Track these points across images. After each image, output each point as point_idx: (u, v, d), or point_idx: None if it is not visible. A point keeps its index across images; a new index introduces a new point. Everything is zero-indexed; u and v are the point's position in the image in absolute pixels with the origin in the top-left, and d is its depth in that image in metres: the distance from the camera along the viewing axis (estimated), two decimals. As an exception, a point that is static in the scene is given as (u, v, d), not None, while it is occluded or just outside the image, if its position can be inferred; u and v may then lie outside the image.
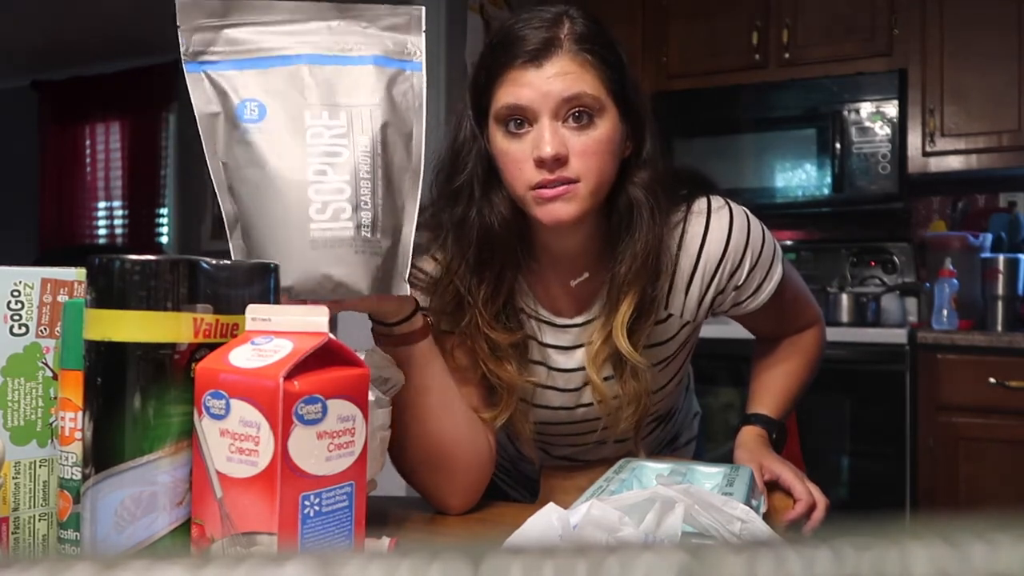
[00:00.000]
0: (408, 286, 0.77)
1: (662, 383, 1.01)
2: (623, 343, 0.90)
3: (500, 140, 0.88)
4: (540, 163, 0.84)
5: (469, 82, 0.93)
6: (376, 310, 0.82)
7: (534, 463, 1.06)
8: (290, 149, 0.71)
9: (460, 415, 0.91)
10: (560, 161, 0.84)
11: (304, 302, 0.71)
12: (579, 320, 0.98)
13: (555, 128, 0.84)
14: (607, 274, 0.92)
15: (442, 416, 0.89)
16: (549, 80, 0.84)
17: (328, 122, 0.72)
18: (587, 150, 0.85)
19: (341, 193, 0.70)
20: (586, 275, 0.96)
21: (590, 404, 0.99)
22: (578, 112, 0.85)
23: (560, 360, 0.99)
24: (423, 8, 0.78)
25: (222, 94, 0.73)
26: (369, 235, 0.71)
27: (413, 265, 0.94)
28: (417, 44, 0.77)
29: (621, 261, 0.90)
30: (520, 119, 0.86)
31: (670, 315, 0.97)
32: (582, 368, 0.97)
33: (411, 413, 0.86)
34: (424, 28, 0.78)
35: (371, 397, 0.65)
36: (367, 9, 0.76)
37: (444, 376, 0.90)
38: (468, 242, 0.91)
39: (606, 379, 0.95)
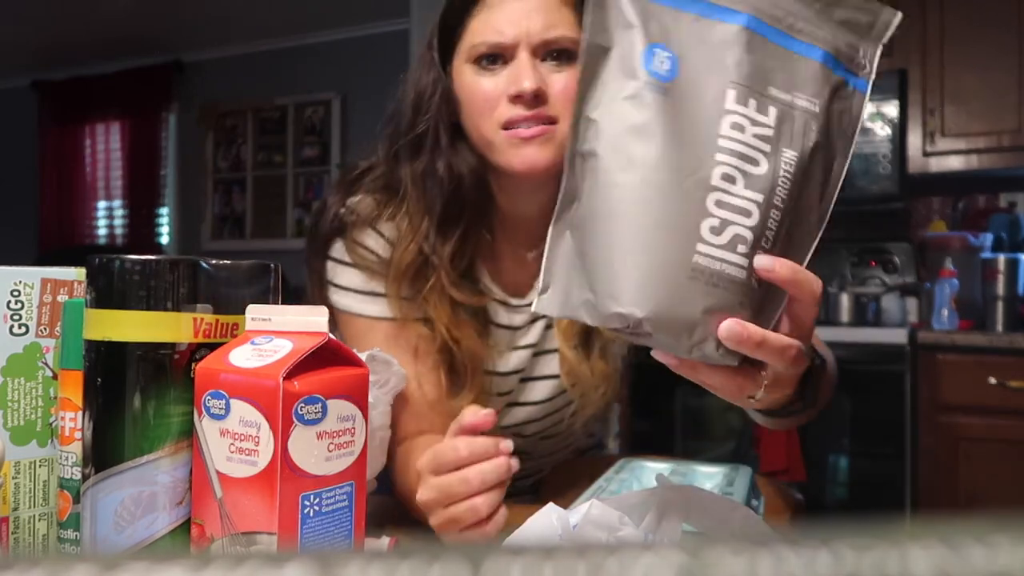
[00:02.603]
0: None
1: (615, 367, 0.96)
2: (569, 353, 0.86)
3: (469, 77, 0.81)
4: (517, 98, 0.78)
5: (440, 14, 0.85)
6: (729, 392, 0.55)
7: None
8: (699, 131, 0.51)
9: None
10: (540, 98, 0.78)
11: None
12: (530, 301, 0.91)
13: (535, 63, 0.79)
14: None
15: None
16: (529, 14, 0.78)
17: (754, 114, 0.51)
18: (567, 90, 0.77)
19: (747, 216, 0.50)
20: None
21: (551, 376, 0.93)
22: (555, 53, 0.79)
23: (512, 340, 0.92)
24: (899, 14, 0.56)
25: (627, 26, 0.53)
26: (755, 284, 0.51)
27: (354, 240, 0.87)
28: (871, 56, 0.56)
29: None
30: (494, 55, 0.80)
31: None
32: (531, 346, 0.92)
33: None
34: (886, 40, 0.57)
35: (370, 398, 0.65)
36: None
37: None
38: (434, 196, 0.84)
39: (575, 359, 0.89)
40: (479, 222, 0.87)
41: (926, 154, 2.52)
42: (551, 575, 0.13)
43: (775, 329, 0.52)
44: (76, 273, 0.61)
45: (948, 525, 0.14)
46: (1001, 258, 2.41)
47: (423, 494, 0.68)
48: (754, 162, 0.51)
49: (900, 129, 2.50)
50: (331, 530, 0.53)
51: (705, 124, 0.51)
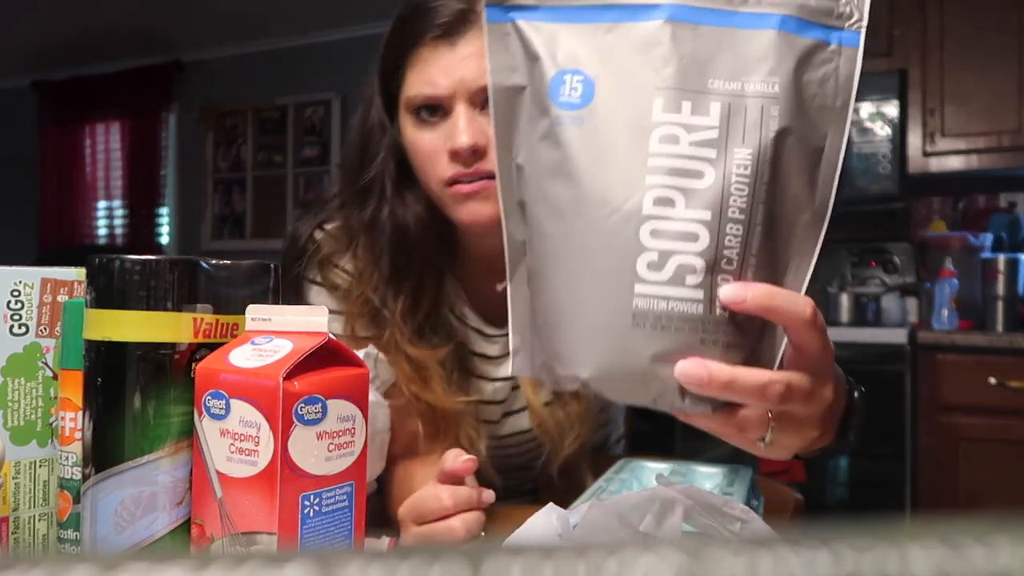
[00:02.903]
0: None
1: (607, 418, 0.91)
2: (535, 396, 0.82)
3: (411, 130, 0.78)
4: (455, 155, 0.75)
5: (377, 64, 0.81)
6: (731, 437, 0.49)
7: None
8: (621, 157, 0.45)
9: None
10: (478, 153, 0.74)
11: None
12: (500, 331, 0.87)
13: (471, 116, 0.74)
14: None
15: None
16: (464, 62, 0.74)
17: (689, 119, 0.44)
18: None
19: (693, 240, 0.43)
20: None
21: (520, 410, 0.88)
22: None
23: (488, 370, 0.88)
24: None
25: (533, 58, 0.48)
26: (727, 313, 0.44)
27: (334, 265, 0.82)
28: (858, 1, 0.46)
29: None
30: (433, 107, 0.76)
31: None
32: (510, 379, 0.87)
33: None
34: None
35: (371, 398, 0.65)
36: None
37: None
38: (380, 247, 0.80)
39: (546, 404, 0.84)
40: (434, 270, 0.83)
41: (926, 154, 2.52)
42: (551, 575, 0.13)
43: (781, 363, 0.45)
44: (76, 273, 0.61)
45: (948, 525, 0.14)
46: (1001, 258, 2.41)
47: (405, 542, 0.66)
48: (696, 175, 0.44)
49: (900, 129, 2.50)
50: (331, 530, 0.53)
51: (629, 147, 0.45)
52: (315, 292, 0.86)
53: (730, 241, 0.44)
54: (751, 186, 0.44)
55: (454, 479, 0.66)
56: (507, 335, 0.83)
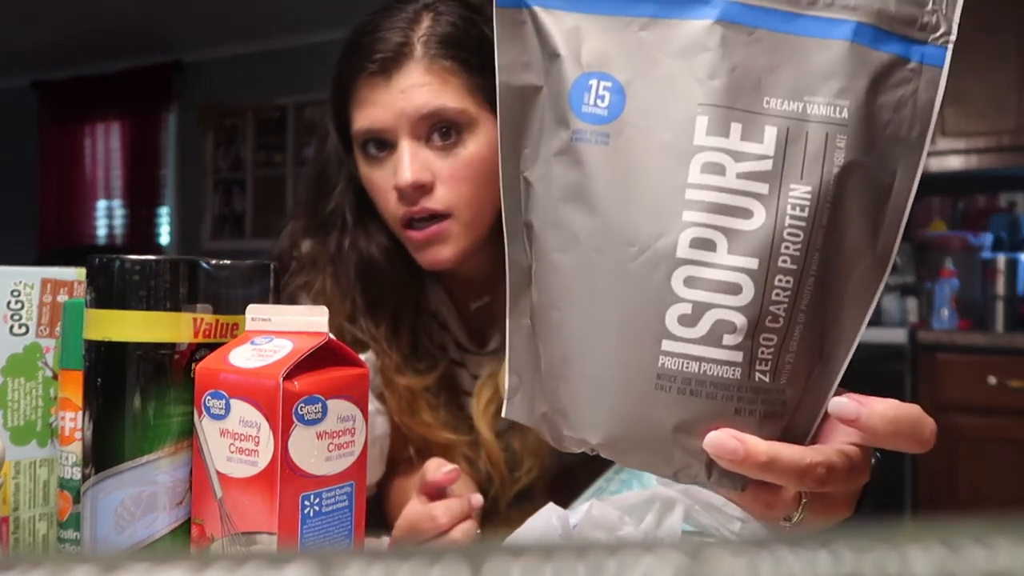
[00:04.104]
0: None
1: None
2: None
3: (363, 166, 0.75)
4: (401, 194, 0.72)
5: (328, 97, 0.79)
6: (755, 513, 0.42)
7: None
8: (653, 186, 0.37)
9: None
10: (424, 189, 0.71)
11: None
12: (481, 351, 0.84)
13: (415, 151, 0.71)
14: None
15: None
16: (401, 95, 0.71)
17: (739, 145, 0.37)
18: (456, 175, 0.71)
19: (735, 293, 0.37)
20: (486, 299, 0.82)
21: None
22: (444, 129, 0.71)
23: (466, 383, 0.84)
24: None
25: (552, 55, 0.40)
26: (768, 380, 0.37)
27: (306, 293, 0.78)
28: (947, 8, 0.39)
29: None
30: (379, 141, 0.73)
31: None
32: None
33: None
34: None
35: (371, 407, 0.65)
36: None
37: None
38: (349, 279, 0.78)
39: (500, 433, 0.80)
40: (409, 297, 0.80)
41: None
42: (551, 575, 0.13)
43: (814, 437, 0.39)
44: (76, 273, 0.61)
45: (948, 525, 0.14)
46: (1001, 258, 2.41)
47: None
48: (743, 214, 0.36)
49: (900, 129, 2.50)
50: (331, 530, 0.53)
51: (664, 174, 0.37)
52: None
53: (778, 295, 0.37)
54: (808, 231, 0.37)
55: (438, 490, 0.64)
56: (491, 354, 0.81)
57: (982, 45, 2.44)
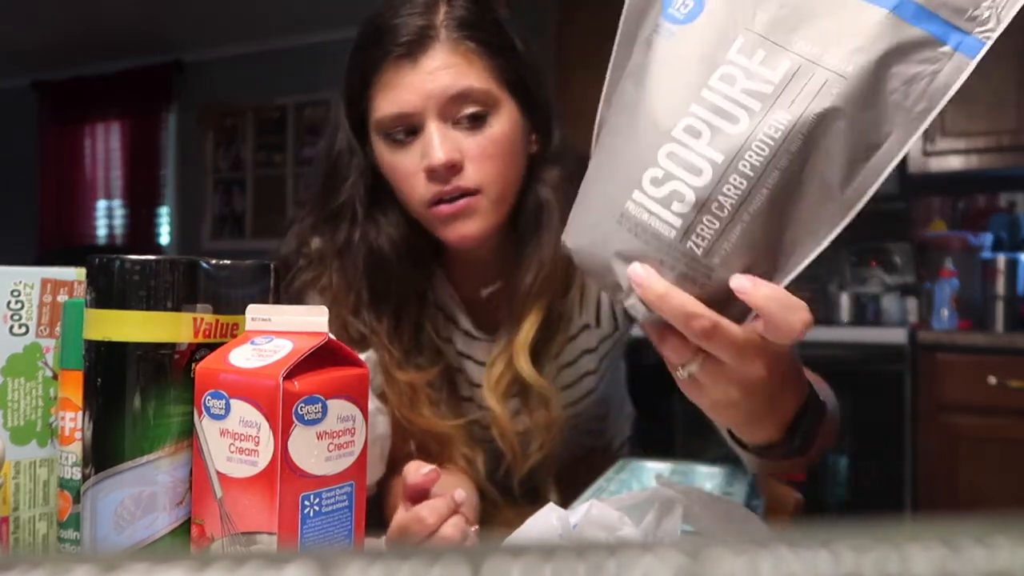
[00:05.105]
0: None
1: (577, 398, 0.89)
2: (525, 366, 0.79)
3: (385, 152, 0.77)
4: (432, 174, 0.73)
5: (343, 89, 0.81)
6: (662, 352, 0.49)
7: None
8: (679, 81, 0.46)
9: None
10: (455, 168, 0.73)
11: None
12: (490, 336, 0.85)
13: (444, 131, 0.73)
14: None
15: None
16: (430, 76, 0.72)
17: (756, 67, 0.44)
18: (484, 153, 0.73)
19: (696, 174, 0.44)
20: (499, 284, 0.84)
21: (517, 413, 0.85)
22: (470, 110, 0.73)
23: (479, 377, 0.85)
24: None
25: None
26: (699, 253, 0.44)
27: (310, 290, 0.81)
28: (1001, 6, 0.42)
29: (527, 269, 0.78)
30: (404, 126, 0.75)
31: (585, 326, 0.85)
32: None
33: None
34: None
35: (372, 406, 0.65)
36: None
37: None
38: (356, 271, 0.79)
39: (515, 414, 0.82)
40: (413, 291, 0.82)
41: (926, 154, 2.52)
42: (551, 575, 0.13)
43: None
44: (76, 273, 0.61)
45: (948, 525, 0.14)
46: (1001, 258, 2.41)
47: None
48: (731, 119, 0.44)
49: (900, 129, 2.49)
50: (331, 530, 0.53)
51: (696, 72, 0.46)
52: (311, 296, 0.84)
53: (728, 190, 0.44)
54: (774, 150, 0.43)
55: (421, 493, 0.64)
56: (495, 340, 0.83)
57: (982, 45, 2.44)
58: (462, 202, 0.74)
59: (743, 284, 0.43)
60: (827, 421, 0.58)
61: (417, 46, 0.73)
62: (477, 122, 0.74)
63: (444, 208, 0.74)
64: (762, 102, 0.44)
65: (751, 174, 0.43)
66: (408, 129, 0.75)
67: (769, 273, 0.45)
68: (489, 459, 0.86)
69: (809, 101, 0.43)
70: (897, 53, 0.42)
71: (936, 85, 0.43)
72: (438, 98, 0.73)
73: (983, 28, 0.42)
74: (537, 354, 0.80)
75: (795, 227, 0.45)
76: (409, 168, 0.75)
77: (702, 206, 0.44)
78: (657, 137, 0.45)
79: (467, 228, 0.75)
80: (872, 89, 0.43)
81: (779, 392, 0.50)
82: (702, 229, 0.44)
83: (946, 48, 0.42)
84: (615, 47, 0.51)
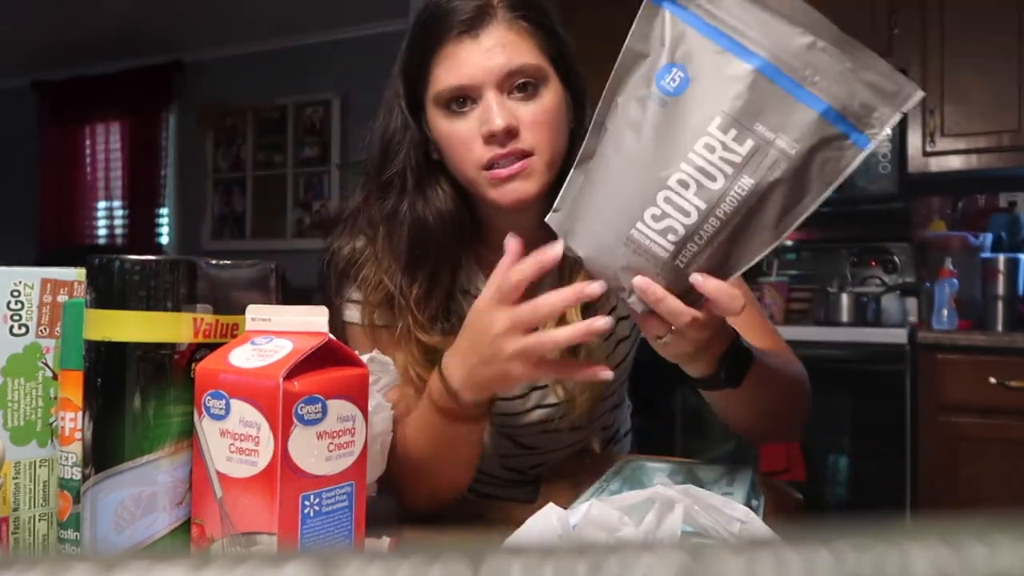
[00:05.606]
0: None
1: (617, 361, 0.97)
2: (576, 319, 0.84)
3: (442, 123, 0.84)
4: (490, 138, 0.80)
5: (400, 66, 0.88)
6: (643, 330, 0.70)
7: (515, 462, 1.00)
8: (674, 142, 0.61)
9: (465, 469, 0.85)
10: (512, 133, 0.80)
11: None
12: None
13: (502, 101, 0.80)
14: None
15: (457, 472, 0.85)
16: (489, 52, 0.80)
17: (729, 142, 0.60)
18: (537, 120, 0.81)
19: (685, 216, 0.61)
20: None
21: (543, 387, 0.95)
22: (522, 83, 0.81)
23: None
24: (922, 93, 0.61)
25: (660, 42, 0.63)
26: (682, 267, 0.63)
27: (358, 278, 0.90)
28: (884, 119, 0.60)
29: None
30: (463, 97, 0.82)
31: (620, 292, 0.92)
32: None
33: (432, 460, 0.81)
34: (906, 112, 0.61)
35: (372, 403, 0.65)
36: (865, 53, 0.61)
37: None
38: (399, 237, 0.87)
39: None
40: (449, 261, 0.89)
41: (926, 154, 2.52)
42: (551, 575, 0.13)
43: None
44: (76, 273, 0.61)
45: (948, 525, 0.14)
46: (1001, 258, 2.41)
47: (497, 325, 0.71)
48: (711, 178, 0.61)
49: (900, 129, 2.49)
50: (331, 530, 0.53)
51: (685, 138, 0.61)
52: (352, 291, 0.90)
53: (706, 228, 0.62)
54: (740, 204, 0.61)
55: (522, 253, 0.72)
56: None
57: (983, 44, 2.44)
58: (518, 164, 0.81)
59: (698, 279, 0.63)
60: (761, 366, 0.76)
61: (478, 23, 0.81)
62: (530, 92, 0.82)
63: (501, 171, 0.81)
64: (733, 168, 0.61)
65: (723, 217, 0.61)
66: (466, 100, 0.82)
67: (720, 276, 0.64)
68: (540, 431, 0.95)
69: (765, 172, 0.60)
70: (821, 143, 0.60)
71: (839, 165, 0.61)
72: (497, 72, 0.80)
73: (872, 130, 0.61)
74: (585, 307, 0.85)
75: (741, 249, 0.63)
76: (467, 135, 0.82)
77: (688, 238, 0.62)
78: (656, 185, 0.62)
79: (523, 188, 0.81)
80: (803, 165, 0.61)
81: (713, 343, 0.71)
82: (686, 252, 0.63)
83: (848, 142, 0.61)
84: (604, 93, 0.66)
